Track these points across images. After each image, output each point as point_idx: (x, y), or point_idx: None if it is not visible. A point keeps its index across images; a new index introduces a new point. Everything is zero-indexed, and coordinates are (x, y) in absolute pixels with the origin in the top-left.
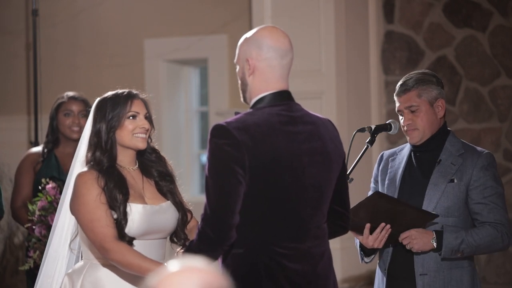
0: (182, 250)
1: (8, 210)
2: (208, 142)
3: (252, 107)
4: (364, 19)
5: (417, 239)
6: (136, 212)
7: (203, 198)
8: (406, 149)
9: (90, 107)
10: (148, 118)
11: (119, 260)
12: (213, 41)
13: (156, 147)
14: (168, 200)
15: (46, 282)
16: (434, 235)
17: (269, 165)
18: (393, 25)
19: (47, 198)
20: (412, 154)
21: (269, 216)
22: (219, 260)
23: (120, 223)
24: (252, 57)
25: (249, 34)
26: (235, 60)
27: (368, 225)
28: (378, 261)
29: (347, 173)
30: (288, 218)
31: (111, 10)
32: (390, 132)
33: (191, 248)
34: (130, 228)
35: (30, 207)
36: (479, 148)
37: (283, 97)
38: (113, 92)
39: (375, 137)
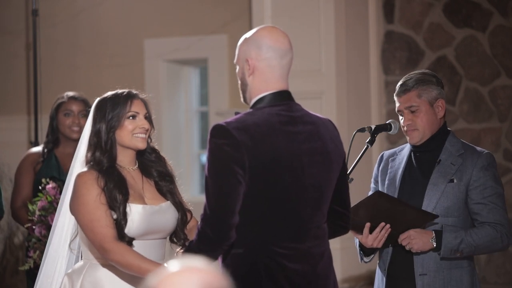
0: (182, 250)
1: (8, 210)
2: (208, 142)
3: (252, 107)
4: (364, 19)
5: (416, 239)
6: (135, 213)
7: (203, 198)
8: (406, 149)
9: (90, 107)
10: (148, 118)
11: (118, 260)
12: (213, 41)
13: (156, 147)
14: (167, 200)
15: (46, 282)
16: (434, 235)
17: (269, 165)
18: (393, 25)
19: (47, 198)
20: (412, 154)
21: (269, 216)
22: (219, 260)
23: (120, 223)
24: (251, 57)
25: (248, 34)
26: (235, 61)
27: (368, 224)
28: (378, 261)
29: (347, 173)
30: (288, 218)
31: (111, 10)
32: (390, 132)
33: (191, 248)
34: (130, 228)
35: (30, 207)
36: (479, 148)
37: (283, 97)
38: (113, 92)
39: (375, 137)
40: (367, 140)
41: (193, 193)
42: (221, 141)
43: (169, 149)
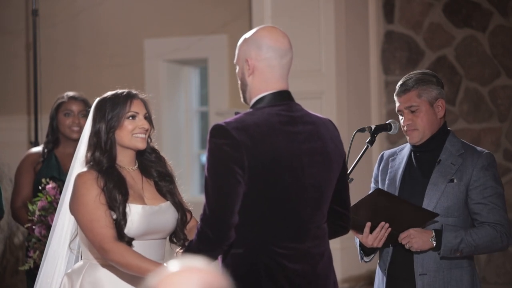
0: (181, 250)
1: (8, 210)
2: (208, 142)
3: (252, 107)
4: (364, 19)
5: (416, 238)
6: (135, 213)
7: (203, 198)
8: (406, 149)
9: (90, 107)
10: (148, 118)
11: (118, 260)
12: (213, 41)
13: (156, 147)
14: (167, 200)
15: (45, 282)
16: (433, 234)
17: (269, 165)
18: (393, 25)
19: (47, 198)
20: (412, 154)
21: (269, 216)
22: (219, 260)
23: (120, 223)
24: (251, 57)
25: (248, 34)
26: (234, 61)
27: (368, 224)
28: (378, 261)
29: (347, 173)
30: (288, 218)
31: (111, 10)
32: (390, 132)
33: (191, 248)
34: (130, 228)
35: (30, 207)
36: (479, 148)
37: (283, 97)
38: (113, 92)
39: (375, 137)
40: (367, 140)
41: (193, 193)
42: (221, 141)
43: (169, 149)
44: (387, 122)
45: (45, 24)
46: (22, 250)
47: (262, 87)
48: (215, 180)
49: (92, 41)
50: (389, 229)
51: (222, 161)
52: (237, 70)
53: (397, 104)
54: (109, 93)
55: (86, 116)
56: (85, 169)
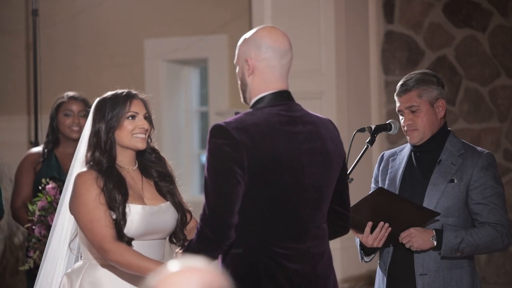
0: (181, 251)
1: (8, 210)
2: (207, 142)
3: (252, 107)
4: (364, 19)
5: (416, 237)
6: (135, 213)
7: (203, 198)
8: (406, 149)
9: (90, 107)
10: (148, 118)
11: (118, 260)
12: (213, 41)
13: (156, 147)
14: (167, 200)
15: (45, 282)
16: (434, 233)
17: (269, 165)
18: (393, 25)
19: (47, 198)
20: (413, 154)
21: (269, 216)
22: (219, 260)
23: (119, 223)
24: (251, 57)
25: (248, 34)
26: (234, 61)
27: (370, 224)
28: (378, 261)
29: (347, 173)
30: (288, 218)
31: (111, 10)
32: (390, 132)
33: (190, 248)
34: (129, 228)
35: (30, 207)
36: (479, 148)
37: (283, 97)
38: (113, 92)
39: (375, 137)
40: (367, 140)
41: (193, 193)
42: (221, 141)
43: (169, 149)
44: (387, 122)
45: (45, 24)
46: (22, 250)
47: (262, 87)
48: (215, 180)
49: (92, 41)
50: (389, 228)
51: (222, 161)
52: (237, 70)
53: (398, 104)
54: (109, 93)
55: (86, 116)
56: (85, 169)
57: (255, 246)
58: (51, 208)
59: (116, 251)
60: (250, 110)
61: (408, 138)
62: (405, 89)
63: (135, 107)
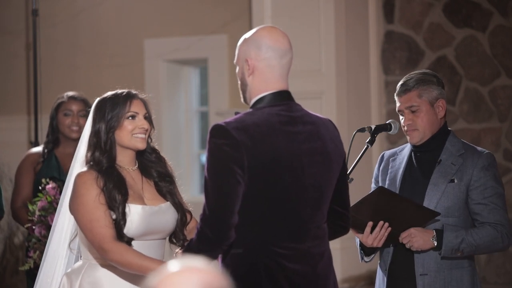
0: (181, 251)
1: (8, 210)
2: (207, 142)
3: (252, 107)
4: (364, 19)
5: (416, 237)
6: (135, 213)
7: (203, 198)
8: (406, 149)
9: (90, 107)
10: (148, 118)
11: (118, 260)
12: (213, 41)
13: (156, 147)
14: (167, 201)
15: (45, 282)
16: (434, 234)
17: (269, 165)
18: (393, 25)
19: (47, 198)
20: (413, 154)
21: (269, 216)
22: (219, 260)
23: (119, 223)
24: (251, 57)
25: (248, 34)
26: (234, 61)
27: (370, 223)
28: (378, 261)
29: (347, 173)
30: (288, 218)
31: (111, 10)
32: (390, 132)
33: (190, 248)
34: (129, 228)
35: (30, 207)
36: (479, 148)
37: (283, 97)
38: (113, 92)
39: (375, 137)
40: (367, 140)
41: (193, 193)
42: (221, 141)
43: (169, 149)
44: (387, 122)
45: (45, 24)
46: (22, 250)
47: (262, 87)
48: (215, 180)
49: (92, 41)
50: (389, 228)
51: (222, 161)
52: (237, 70)
53: (398, 104)
54: (109, 93)
55: (86, 116)
56: (85, 169)
57: (255, 246)
58: (51, 208)
59: (116, 251)
60: (250, 110)
61: (408, 138)
62: (405, 89)
63: (135, 107)
